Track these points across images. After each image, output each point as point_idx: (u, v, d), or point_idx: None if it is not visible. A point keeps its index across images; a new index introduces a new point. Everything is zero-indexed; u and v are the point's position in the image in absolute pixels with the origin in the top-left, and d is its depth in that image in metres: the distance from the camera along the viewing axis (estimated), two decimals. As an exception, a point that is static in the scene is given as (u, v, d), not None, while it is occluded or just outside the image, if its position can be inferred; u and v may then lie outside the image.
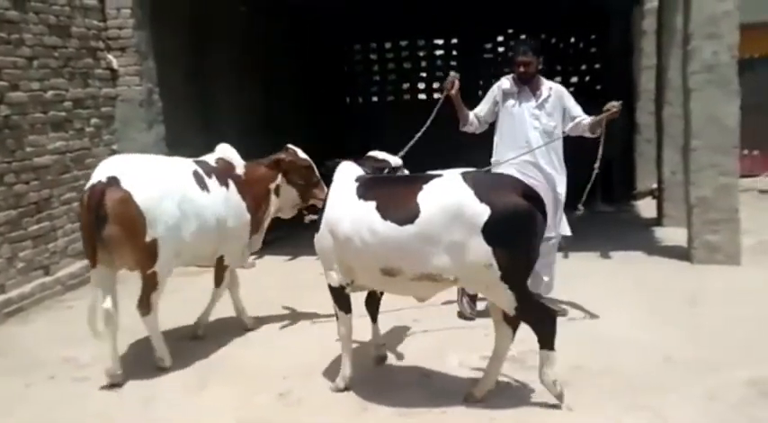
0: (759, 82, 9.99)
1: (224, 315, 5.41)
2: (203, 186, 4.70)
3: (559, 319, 5.07)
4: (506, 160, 5.09)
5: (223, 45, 9.11)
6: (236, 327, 5.29)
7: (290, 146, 5.12)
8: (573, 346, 4.61)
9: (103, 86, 7.11)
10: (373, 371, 4.42)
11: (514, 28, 13.02)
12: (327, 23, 11.72)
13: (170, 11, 7.81)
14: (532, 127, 5.13)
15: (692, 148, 6.47)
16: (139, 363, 4.63)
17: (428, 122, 4.89)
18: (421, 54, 13.65)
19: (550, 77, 13.42)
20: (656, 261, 6.69)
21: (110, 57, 7.15)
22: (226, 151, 5.09)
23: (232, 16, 9.51)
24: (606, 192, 9.18)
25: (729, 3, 6.30)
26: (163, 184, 4.42)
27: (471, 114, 5.33)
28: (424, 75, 13.61)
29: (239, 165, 5.05)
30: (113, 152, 7.16)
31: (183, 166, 4.74)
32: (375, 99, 13.76)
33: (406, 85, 13.67)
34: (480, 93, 12.84)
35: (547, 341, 3.76)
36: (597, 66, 12.71)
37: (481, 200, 3.53)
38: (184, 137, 7.67)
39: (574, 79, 13.08)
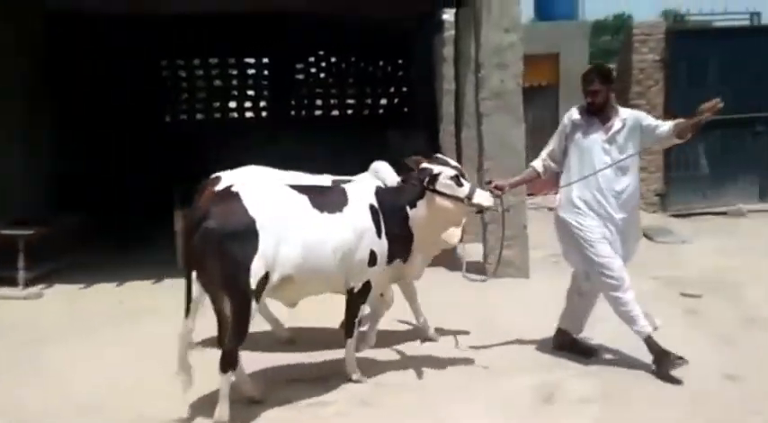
0: (544, 108, 10.89)
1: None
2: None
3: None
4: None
5: (7, 59, 8.37)
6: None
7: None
8: (374, 364, 4.73)
9: None
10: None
11: (325, 50, 13.24)
12: (132, 37, 11.16)
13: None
14: (602, 162, 4.61)
15: (485, 169, 6.92)
16: None
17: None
18: (233, 72, 13.43)
19: (360, 101, 13.90)
20: (456, 275, 7.03)
21: None
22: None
23: (21, 25, 8.76)
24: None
25: (514, 35, 6.84)
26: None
27: (540, 165, 4.88)
28: (235, 93, 13.39)
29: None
30: None
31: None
32: (184, 117, 13.31)
33: (216, 104, 13.37)
34: (296, 112, 13.56)
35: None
36: (404, 89, 13.24)
37: None
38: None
39: (383, 102, 13.55)
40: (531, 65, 10.72)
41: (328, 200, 4.23)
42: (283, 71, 13.23)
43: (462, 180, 4.48)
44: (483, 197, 4.51)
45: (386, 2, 9.17)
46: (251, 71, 13.36)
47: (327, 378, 4.54)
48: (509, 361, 4.79)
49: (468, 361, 4.81)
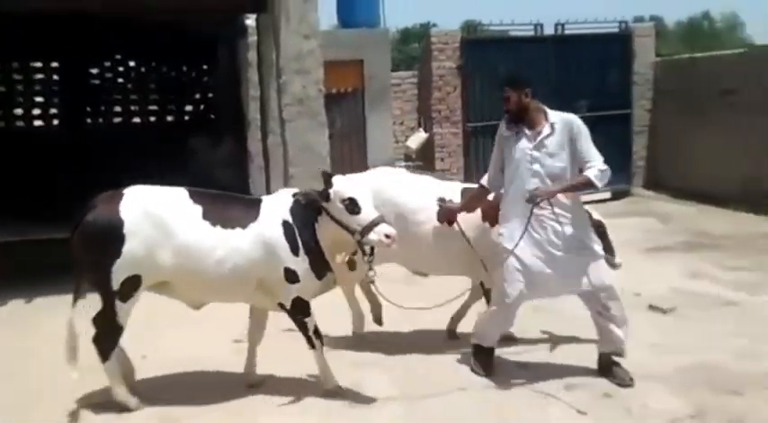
0: (350, 113, 11.08)
1: None
2: None
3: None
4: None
5: None
6: None
7: None
8: (165, 392, 4.51)
9: None
10: None
11: (123, 54, 12.58)
12: None
13: None
14: (531, 173, 4.35)
15: (290, 176, 6.90)
16: None
17: None
18: (18, 77, 12.31)
19: (163, 107, 13.32)
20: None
21: None
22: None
23: None
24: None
25: (313, 42, 6.88)
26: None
27: (485, 180, 4.66)
28: (21, 100, 12.29)
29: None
30: None
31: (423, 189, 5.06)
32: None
33: None
34: (93, 119, 12.76)
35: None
36: (210, 95, 12.91)
37: None
38: None
39: (188, 108, 13.12)
40: (336, 71, 10.86)
41: (229, 213, 4.18)
42: (76, 76, 12.35)
43: (362, 207, 4.05)
44: (380, 236, 4.01)
45: (188, 5, 8.85)
46: (39, 76, 12.33)
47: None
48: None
49: (278, 367, 4.75)
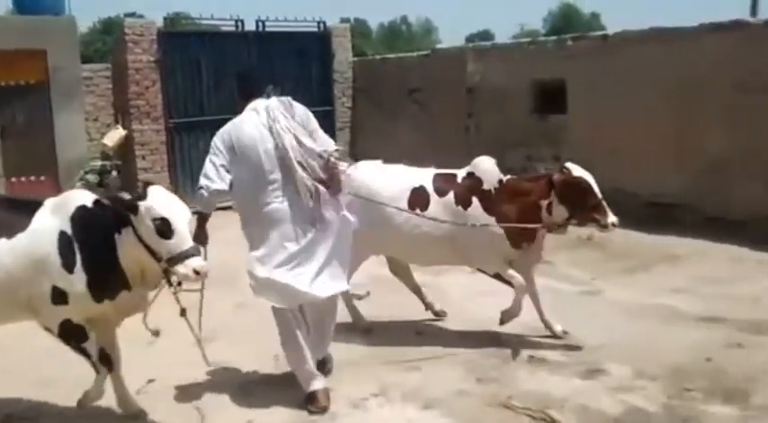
0: (35, 107, 10.08)
1: None
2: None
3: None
4: None
5: None
6: None
7: (568, 164, 4.83)
8: None
9: None
10: None
11: None
12: None
13: None
14: None
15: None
16: None
17: None
18: None
19: None
20: None
21: None
22: (479, 166, 5.06)
23: None
24: None
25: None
26: None
27: None
28: None
29: (490, 181, 4.95)
30: None
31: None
32: None
33: None
34: None
35: None
36: None
37: None
38: None
39: None
40: (13, 61, 9.81)
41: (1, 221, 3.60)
42: None
43: (175, 231, 3.39)
44: (188, 270, 3.36)
45: None
46: None
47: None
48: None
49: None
